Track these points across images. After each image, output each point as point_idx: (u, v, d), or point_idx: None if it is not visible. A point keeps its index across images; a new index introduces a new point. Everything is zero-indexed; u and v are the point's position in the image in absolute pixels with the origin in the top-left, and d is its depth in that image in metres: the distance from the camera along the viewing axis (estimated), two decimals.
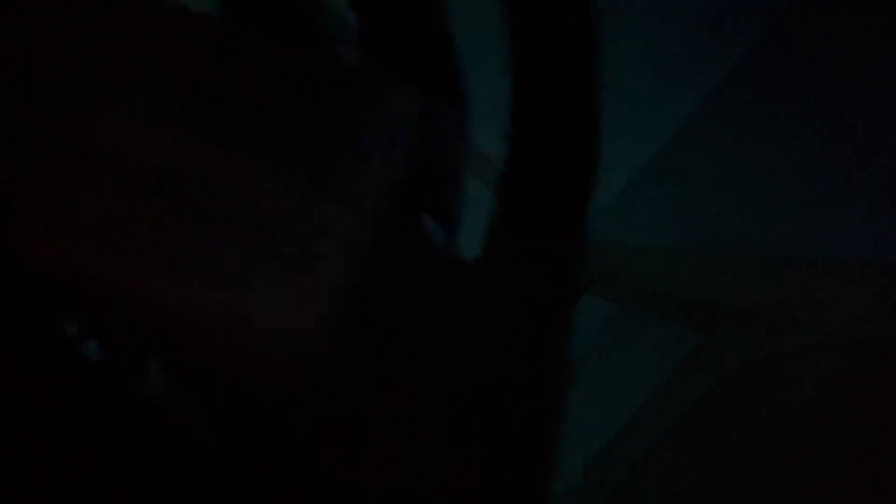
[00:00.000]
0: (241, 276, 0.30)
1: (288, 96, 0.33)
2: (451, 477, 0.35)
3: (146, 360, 0.33)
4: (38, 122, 0.31)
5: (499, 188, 0.37)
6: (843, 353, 0.55)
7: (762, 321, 0.65)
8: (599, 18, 0.37)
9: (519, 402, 0.36)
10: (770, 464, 0.53)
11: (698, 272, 0.83)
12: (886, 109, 1.03)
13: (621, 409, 0.74)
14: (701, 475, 0.57)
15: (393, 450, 0.34)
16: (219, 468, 0.33)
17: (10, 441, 0.32)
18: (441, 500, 0.35)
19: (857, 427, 0.50)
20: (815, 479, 0.50)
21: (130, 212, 0.30)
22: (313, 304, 0.30)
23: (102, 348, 0.32)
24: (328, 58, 0.36)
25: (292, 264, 0.30)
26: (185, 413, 0.33)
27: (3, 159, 0.31)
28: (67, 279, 0.30)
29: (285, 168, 0.32)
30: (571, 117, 0.38)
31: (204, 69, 0.32)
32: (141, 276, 0.30)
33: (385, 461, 0.34)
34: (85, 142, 0.31)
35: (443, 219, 0.37)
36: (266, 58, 0.34)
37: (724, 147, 1.15)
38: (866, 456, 0.48)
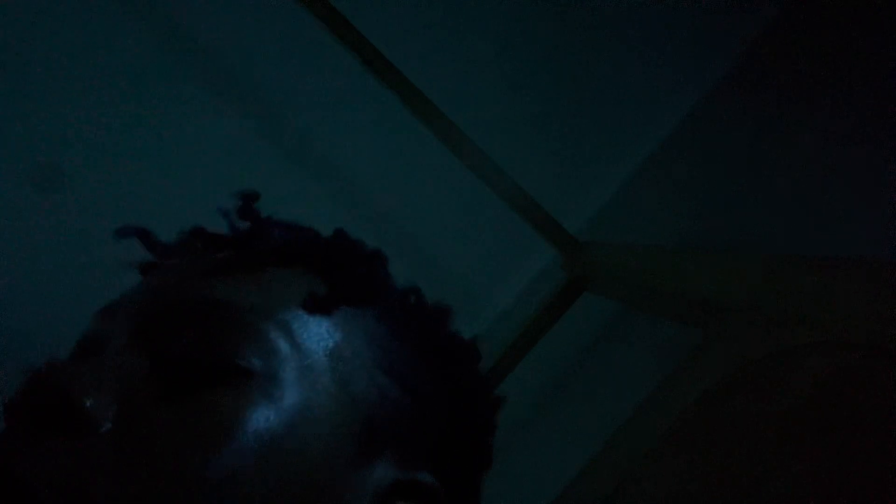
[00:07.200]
0: None
1: None
2: None
3: None
4: None
5: None
6: (843, 352, 0.55)
7: (762, 320, 0.65)
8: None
9: None
10: (770, 462, 0.53)
11: (698, 272, 0.83)
12: (885, 108, 1.03)
13: (622, 407, 0.75)
14: (701, 473, 0.57)
15: None
16: None
17: None
18: None
19: (858, 426, 0.50)
20: (815, 478, 0.50)
21: None
22: None
23: None
24: None
25: None
26: None
27: None
28: None
29: None
30: None
31: None
32: None
33: None
34: None
35: None
36: None
37: (723, 147, 1.15)
38: (867, 455, 0.48)
